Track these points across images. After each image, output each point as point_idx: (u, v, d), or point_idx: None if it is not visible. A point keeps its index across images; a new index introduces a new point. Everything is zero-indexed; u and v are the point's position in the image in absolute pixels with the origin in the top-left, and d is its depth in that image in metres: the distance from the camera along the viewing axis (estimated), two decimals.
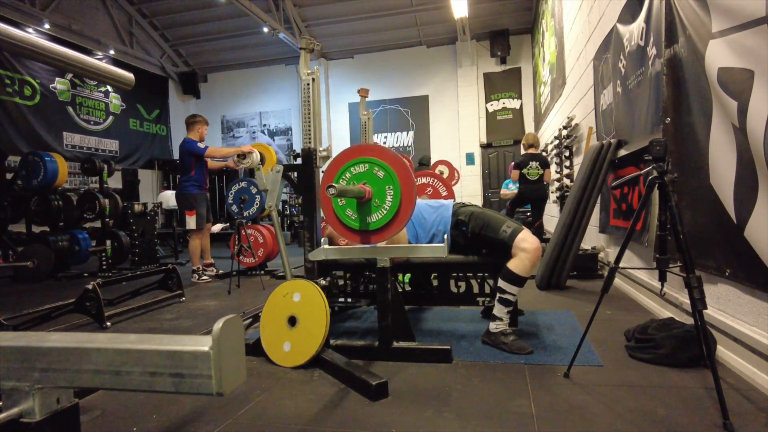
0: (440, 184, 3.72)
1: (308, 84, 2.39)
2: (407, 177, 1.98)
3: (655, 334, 2.08)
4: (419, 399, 1.77)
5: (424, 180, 3.76)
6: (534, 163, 5.79)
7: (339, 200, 2.07)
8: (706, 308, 1.66)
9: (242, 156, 2.47)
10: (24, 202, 5.77)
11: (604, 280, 1.91)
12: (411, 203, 1.97)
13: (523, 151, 5.88)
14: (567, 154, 6.05)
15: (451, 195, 3.72)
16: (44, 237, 5.50)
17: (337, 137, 12.15)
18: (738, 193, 1.82)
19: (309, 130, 2.41)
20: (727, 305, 2.01)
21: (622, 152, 3.56)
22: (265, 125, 12.85)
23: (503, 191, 7.81)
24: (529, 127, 11.10)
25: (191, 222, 4.78)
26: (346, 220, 2.07)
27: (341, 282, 2.77)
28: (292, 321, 2.15)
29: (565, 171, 6.05)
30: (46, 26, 8.85)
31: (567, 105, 6.20)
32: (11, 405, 0.95)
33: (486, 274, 2.59)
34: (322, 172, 2.28)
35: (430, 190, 3.72)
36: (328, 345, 2.19)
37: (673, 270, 1.92)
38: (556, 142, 6.49)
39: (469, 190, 11.16)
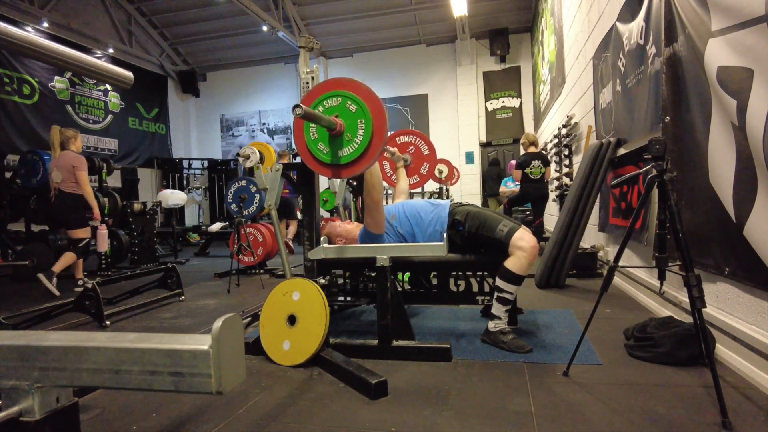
0: (422, 142, 3.61)
1: (307, 83, 2.39)
2: (379, 111, 1.95)
3: (655, 333, 2.08)
4: (418, 397, 1.77)
5: (406, 138, 3.66)
6: (536, 161, 5.81)
7: (311, 134, 2.03)
8: (705, 307, 1.67)
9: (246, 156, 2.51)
10: (23, 200, 5.76)
11: (603, 278, 1.91)
12: (382, 137, 1.95)
13: (523, 150, 5.88)
14: (566, 152, 6.05)
15: (432, 153, 3.63)
16: (43, 236, 5.49)
17: None
18: (737, 192, 1.82)
19: None
20: (726, 304, 2.01)
21: (622, 151, 3.56)
22: (264, 124, 12.83)
23: (502, 189, 7.80)
24: (528, 125, 11.09)
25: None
26: (318, 153, 2.03)
27: (341, 281, 2.77)
28: (292, 320, 2.16)
29: (565, 170, 6.05)
30: (45, 25, 8.82)
31: (566, 104, 6.19)
32: (11, 404, 0.95)
33: (485, 273, 2.59)
34: None
35: (412, 149, 3.61)
36: (328, 344, 2.19)
37: (672, 269, 1.92)
38: (556, 140, 6.49)
39: (469, 188, 11.16)
